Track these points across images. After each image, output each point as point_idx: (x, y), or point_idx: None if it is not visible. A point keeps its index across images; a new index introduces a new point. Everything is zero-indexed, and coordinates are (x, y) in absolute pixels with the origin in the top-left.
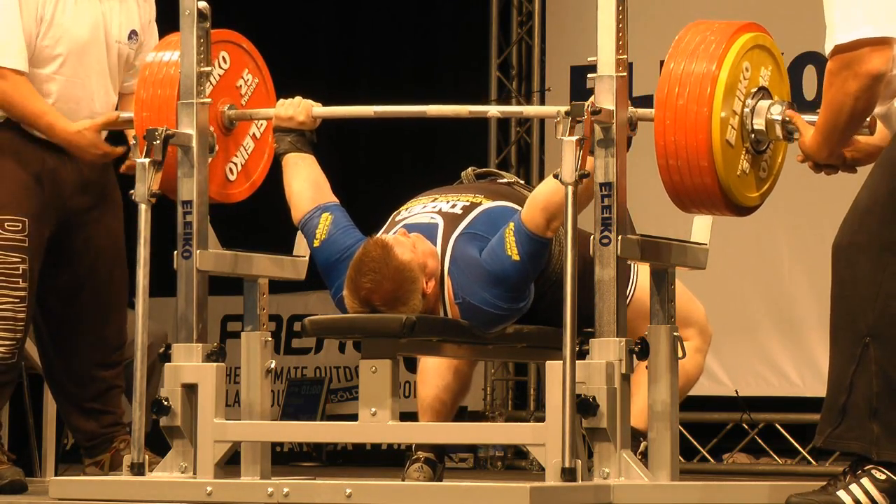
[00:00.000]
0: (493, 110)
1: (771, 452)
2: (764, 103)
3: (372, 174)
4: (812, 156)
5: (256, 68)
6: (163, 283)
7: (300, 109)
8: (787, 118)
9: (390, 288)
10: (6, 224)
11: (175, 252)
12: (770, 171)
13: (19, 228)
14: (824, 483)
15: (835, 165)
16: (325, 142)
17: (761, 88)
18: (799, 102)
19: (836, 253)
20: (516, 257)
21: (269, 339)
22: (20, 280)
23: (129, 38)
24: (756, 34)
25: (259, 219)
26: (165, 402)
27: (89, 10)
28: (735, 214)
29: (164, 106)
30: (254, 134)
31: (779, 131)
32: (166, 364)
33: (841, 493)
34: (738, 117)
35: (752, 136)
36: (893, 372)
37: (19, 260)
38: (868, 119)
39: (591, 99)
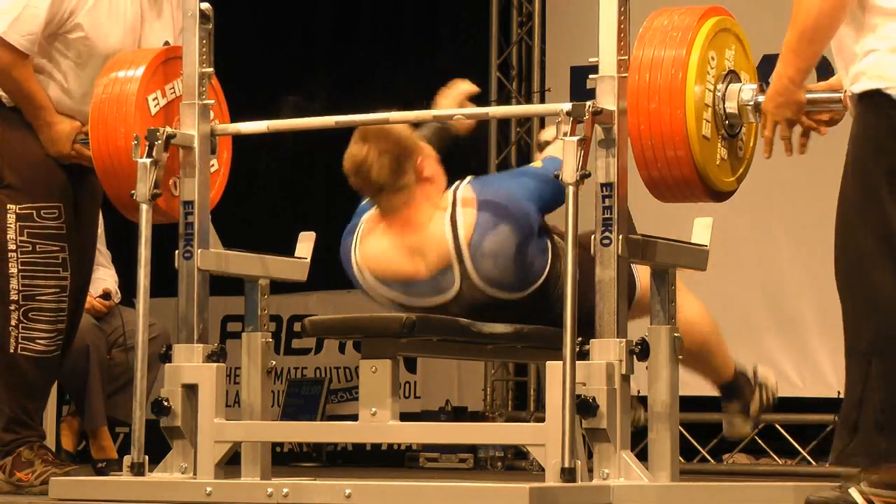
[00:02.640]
0: (458, 114)
1: (771, 453)
2: (734, 87)
3: None
4: (776, 92)
5: (212, 89)
6: (163, 283)
7: None
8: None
9: (388, 147)
10: (42, 212)
11: (176, 252)
12: (745, 152)
13: (55, 215)
14: (839, 483)
15: (795, 118)
16: (325, 141)
17: (730, 72)
18: None
19: (835, 270)
20: (538, 164)
21: (270, 339)
22: (61, 269)
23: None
24: (718, 19)
25: (260, 219)
26: (165, 403)
27: (125, 13)
28: (714, 201)
29: (120, 124)
30: None
31: (751, 116)
32: (166, 364)
33: (853, 492)
34: (711, 108)
35: (726, 121)
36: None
37: (59, 248)
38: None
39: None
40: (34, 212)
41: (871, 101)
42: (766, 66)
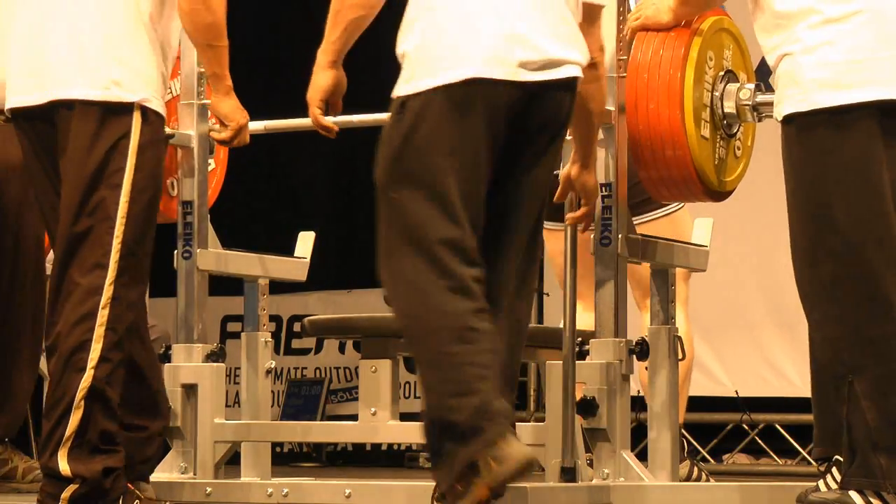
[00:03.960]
0: None
1: (771, 453)
2: (732, 86)
3: (370, 172)
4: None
5: (210, 89)
6: (162, 283)
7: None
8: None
9: None
10: None
11: (175, 252)
12: (744, 151)
13: None
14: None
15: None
16: (324, 140)
17: (728, 72)
18: None
19: (800, 297)
20: None
21: (269, 339)
22: None
23: None
24: (716, 19)
25: (260, 219)
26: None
27: None
28: (712, 200)
29: None
30: None
31: (750, 115)
32: (166, 364)
33: (853, 494)
34: (709, 108)
35: (724, 121)
36: (883, 401)
37: None
38: None
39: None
40: None
41: (791, 126)
42: (765, 67)
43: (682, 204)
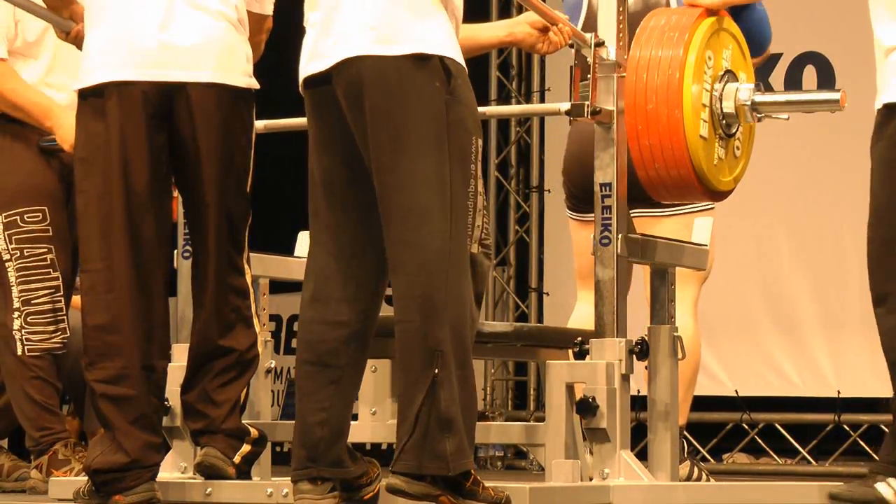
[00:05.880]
0: None
1: (771, 452)
2: (732, 86)
3: None
4: None
5: None
6: None
7: None
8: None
9: None
10: (26, 216)
11: (175, 251)
12: (743, 151)
13: (39, 218)
14: (864, 476)
15: None
16: None
17: (727, 71)
18: None
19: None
20: None
21: (269, 339)
22: (51, 270)
23: None
24: (715, 18)
25: (260, 219)
26: (166, 403)
27: None
28: (711, 200)
29: None
30: None
31: (749, 115)
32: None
33: (880, 486)
34: (708, 107)
35: (723, 121)
36: None
37: (46, 250)
38: None
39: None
40: (18, 217)
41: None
42: (765, 66)
43: (713, 205)
